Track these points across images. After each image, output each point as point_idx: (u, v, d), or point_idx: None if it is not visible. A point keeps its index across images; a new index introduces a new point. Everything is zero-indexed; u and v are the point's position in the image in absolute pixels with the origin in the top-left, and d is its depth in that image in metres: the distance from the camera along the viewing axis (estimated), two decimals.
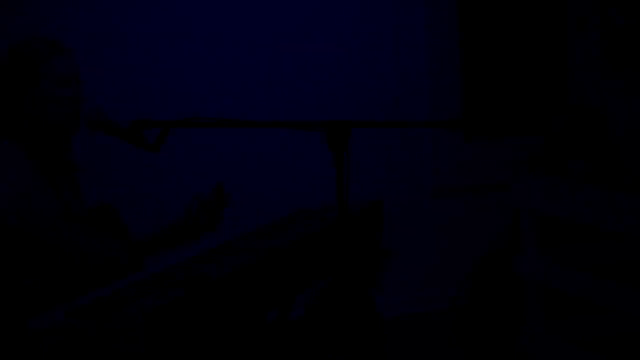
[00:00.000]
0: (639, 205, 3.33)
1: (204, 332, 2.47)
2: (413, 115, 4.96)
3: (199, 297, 2.45)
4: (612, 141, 4.79)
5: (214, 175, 4.62)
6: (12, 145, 2.89)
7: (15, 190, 2.77)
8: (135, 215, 3.28)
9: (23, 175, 2.84)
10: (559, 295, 3.82)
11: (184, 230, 3.20)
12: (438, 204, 5.08)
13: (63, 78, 2.93)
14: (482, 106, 5.21)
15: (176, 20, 4.60)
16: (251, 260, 2.70)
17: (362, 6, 4.85)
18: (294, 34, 4.77)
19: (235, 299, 2.57)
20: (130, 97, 4.54)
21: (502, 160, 5.11)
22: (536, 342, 3.77)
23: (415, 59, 4.96)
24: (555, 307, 4.02)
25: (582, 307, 3.86)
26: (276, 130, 4.68)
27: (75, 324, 2.32)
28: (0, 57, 2.93)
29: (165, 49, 4.60)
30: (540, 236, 3.79)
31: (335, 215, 3.14)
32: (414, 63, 4.96)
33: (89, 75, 4.45)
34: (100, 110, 2.95)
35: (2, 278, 2.79)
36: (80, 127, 3.00)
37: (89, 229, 2.93)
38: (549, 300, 3.88)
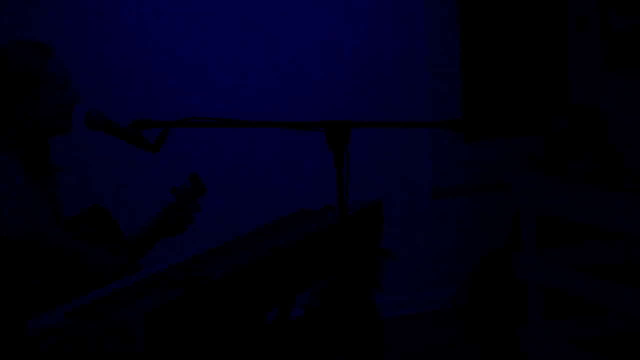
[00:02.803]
0: (639, 205, 3.33)
1: (203, 332, 2.47)
2: (413, 116, 4.96)
3: (199, 297, 2.45)
4: (612, 141, 4.79)
5: (214, 176, 4.64)
6: (6, 153, 2.86)
7: (13, 199, 2.76)
8: (134, 216, 3.27)
9: (20, 183, 2.82)
10: (559, 295, 3.82)
11: (165, 227, 3.20)
12: (438, 204, 5.08)
13: (62, 79, 2.90)
14: (482, 106, 5.21)
15: (176, 20, 4.60)
16: (251, 260, 2.70)
17: (362, 6, 4.85)
18: (294, 34, 4.77)
19: (235, 299, 2.57)
20: (130, 98, 4.54)
21: (502, 160, 5.11)
22: (536, 342, 3.77)
23: (415, 59, 4.96)
24: (555, 307, 4.02)
25: (582, 307, 3.86)
26: (276, 131, 4.68)
27: (75, 324, 2.32)
28: None
29: (166, 49, 4.60)
30: (540, 236, 3.79)
31: (335, 215, 3.14)
32: (414, 63, 4.96)
33: (89, 75, 4.48)
34: (100, 110, 2.95)
35: (2, 278, 2.79)
36: (76, 127, 3.00)
37: (85, 234, 2.93)
38: (549, 300, 3.88)
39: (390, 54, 4.92)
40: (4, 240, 2.71)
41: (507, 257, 4.45)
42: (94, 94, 4.48)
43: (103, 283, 2.71)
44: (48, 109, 2.88)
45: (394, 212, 4.92)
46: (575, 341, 3.76)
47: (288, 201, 4.67)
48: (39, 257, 2.77)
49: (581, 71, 5.27)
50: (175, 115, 3.26)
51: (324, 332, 2.99)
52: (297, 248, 2.88)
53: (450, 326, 4.86)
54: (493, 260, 4.87)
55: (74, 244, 2.83)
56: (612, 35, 5.23)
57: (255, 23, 4.71)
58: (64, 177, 3.19)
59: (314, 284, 3.07)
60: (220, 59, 4.68)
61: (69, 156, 3.24)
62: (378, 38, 4.90)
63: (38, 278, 2.80)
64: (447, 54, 4.99)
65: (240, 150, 4.73)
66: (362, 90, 4.90)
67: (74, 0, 4.46)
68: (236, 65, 4.70)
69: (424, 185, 5.05)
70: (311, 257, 2.94)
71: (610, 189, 4.24)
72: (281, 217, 3.24)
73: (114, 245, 3.02)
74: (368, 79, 4.90)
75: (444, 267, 5.10)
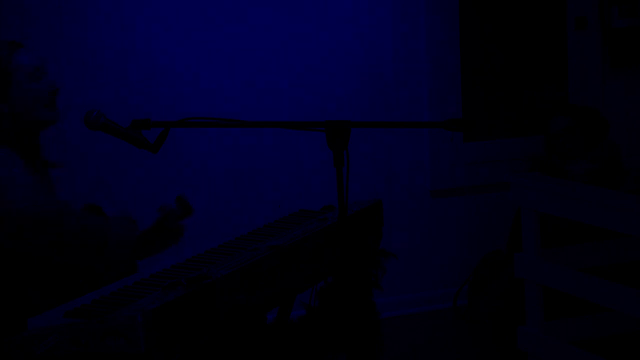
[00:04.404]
0: (639, 205, 3.33)
1: (203, 332, 2.47)
2: (413, 116, 4.96)
3: (199, 297, 2.45)
4: (612, 141, 4.79)
5: (214, 176, 4.64)
6: (4, 148, 2.90)
7: (18, 184, 2.79)
8: (135, 216, 3.27)
9: (24, 177, 2.84)
10: (559, 295, 3.82)
11: (154, 240, 3.19)
12: (438, 203, 5.08)
13: (31, 68, 2.98)
14: (482, 106, 5.21)
15: (177, 21, 4.60)
16: (251, 260, 2.70)
17: (363, 7, 4.85)
18: (294, 34, 4.77)
19: (236, 299, 2.57)
20: (130, 98, 4.54)
21: (502, 160, 5.11)
22: (536, 342, 3.77)
23: (416, 59, 4.96)
24: (555, 307, 4.02)
25: (582, 307, 3.86)
26: (276, 131, 4.68)
27: (75, 324, 2.32)
28: None
29: (166, 49, 4.60)
30: (540, 236, 3.79)
31: (335, 215, 3.14)
32: (415, 63, 4.96)
33: (90, 75, 4.48)
34: (100, 110, 2.96)
35: (6, 288, 2.80)
36: (76, 127, 3.01)
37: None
38: (549, 300, 3.88)
39: (391, 53, 4.92)
40: (15, 220, 2.73)
41: (507, 257, 4.45)
42: (94, 94, 4.48)
43: (103, 283, 2.71)
44: (25, 97, 2.95)
45: (394, 212, 4.92)
46: (575, 341, 3.76)
47: (288, 201, 4.67)
48: (48, 239, 2.78)
49: (581, 71, 5.27)
50: (176, 115, 3.27)
51: (324, 332, 2.99)
52: (297, 248, 2.88)
53: (450, 326, 4.86)
54: (493, 260, 4.87)
55: (90, 218, 2.86)
56: (612, 35, 5.23)
57: (256, 24, 4.71)
58: (63, 175, 3.19)
59: (314, 283, 3.08)
60: (220, 59, 4.68)
61: (69, 156, 3.24)
62: (379, 37, 4.89)
63: (38, 289, 2.81)
64: (447, 53, 4.99)
65: (240, 150, 4.73)
66: (362, 90, 4.89)
67: (73, 1, 4.46)
68: (236, 66, 4.70)
69: (423, 185, 5.05)
70: (311, 257, 2.95)
71: (610, 189, 4.24)
72: (281, 217, 3.24)
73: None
74: (368, 78, 4.90)
75: (443, 267, 5.10)
